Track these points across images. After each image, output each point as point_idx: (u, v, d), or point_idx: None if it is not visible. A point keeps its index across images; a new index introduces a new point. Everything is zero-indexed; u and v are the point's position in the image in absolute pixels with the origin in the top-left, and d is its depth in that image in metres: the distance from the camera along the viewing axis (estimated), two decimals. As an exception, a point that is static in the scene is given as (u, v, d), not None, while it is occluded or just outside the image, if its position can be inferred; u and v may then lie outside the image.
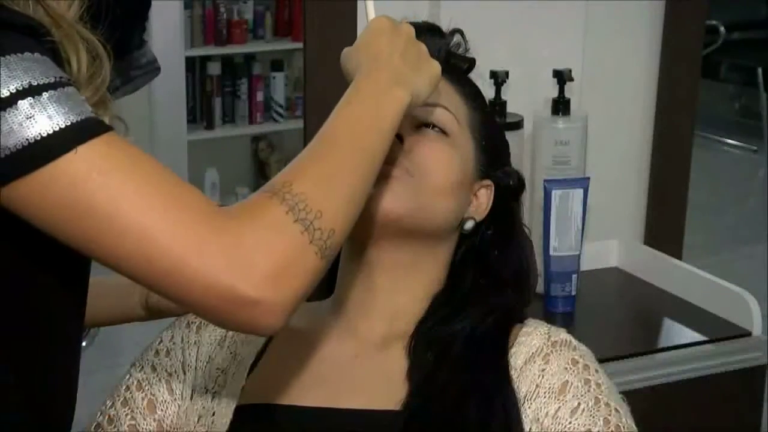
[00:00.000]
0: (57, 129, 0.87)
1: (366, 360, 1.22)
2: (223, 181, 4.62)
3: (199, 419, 1.21)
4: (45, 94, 0.88)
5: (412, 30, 1.15)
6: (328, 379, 1.21)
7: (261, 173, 4.80)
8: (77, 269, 1.01)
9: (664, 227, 2.09)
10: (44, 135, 0.87)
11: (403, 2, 1.63)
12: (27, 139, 0.87)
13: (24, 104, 0.87)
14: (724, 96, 6.14)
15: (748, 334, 1.76)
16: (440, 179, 1.22)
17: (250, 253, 0.90)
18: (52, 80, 0.89)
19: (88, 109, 0.91)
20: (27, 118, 0.87)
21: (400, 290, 1.24)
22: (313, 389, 1.20)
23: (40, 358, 1.00)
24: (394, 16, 1.35)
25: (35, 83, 0.88)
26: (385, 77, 1.08)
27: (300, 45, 1.99)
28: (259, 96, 4.63)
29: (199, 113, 4.62)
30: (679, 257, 2.05)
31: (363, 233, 1.23)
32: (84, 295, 1.05)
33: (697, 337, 1.77)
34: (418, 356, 1.19)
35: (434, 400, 1.14)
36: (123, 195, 0.89)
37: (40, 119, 0.87)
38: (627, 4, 1.99)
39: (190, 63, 4.51)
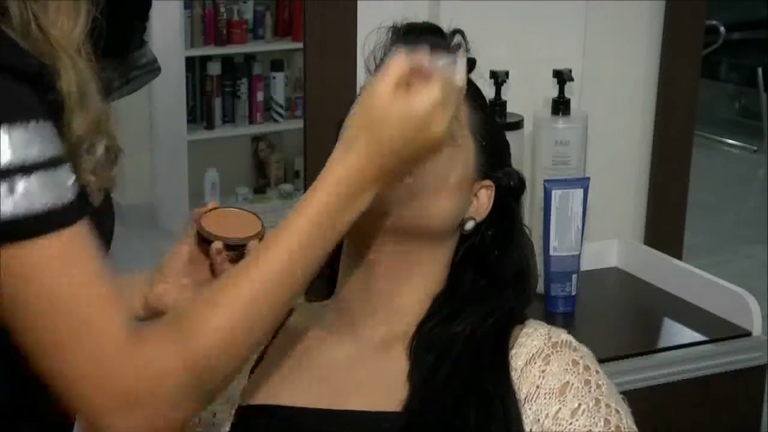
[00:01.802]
0: (25, 214, 0.90)
1: (366, 361, 1.22)
2: (223, 181, 4.63)
3: (199, 420, 1.21)
4: (33, 176, 0.90)
5: (445, 117, 1.05)
6: (329, 380, 1.21)
7: (261, 173, 4.80)
8: None
9: (664, 227, 2.09)
10: (10, 217, 0.89)
11: (403, 2, 1.63)
12: None
13: (11, 180, 0.89)
14: (724, 96, 6.14)
15: (748, 334, 1.76)
16: (441, 180, 1.22)
17: (138, 407, 0.94)
18: (45, 159, 0.91)
19: (66, 195, 0.92)
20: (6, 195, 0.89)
21: (401, 291, 1.24)
22: (314, 390, 1.20)
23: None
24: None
25: (28, 163, 0.90)
26: (359, 178, 1.03)
27: (300, 45, 1.99)
28: (259, 96, 4.63)
29: (199, 113, 4.62)
30: (679, 257, 2.05)
31: (363, 234, 1.23)
32: None
33: (697, 337, 1.77)
34: (418, 357, 1.19)
35: (435, 401, 1.14)
36: (56, 296, 0.92)
37: (13, 199, 0.89)
38: (627, 4, 1.99)
39: (190, 63, 4.51)
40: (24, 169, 0.90)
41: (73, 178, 0.94)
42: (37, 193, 0.90)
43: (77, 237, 0.94)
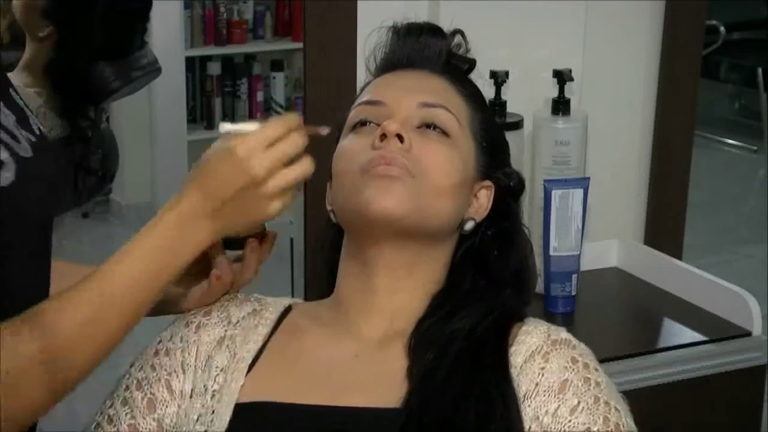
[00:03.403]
0: None
1: (366, 359, 1.22)
2: (223, 181, 4.62)
3: (198, 418, 1.21)
4: None
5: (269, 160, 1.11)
6: (328, 377, 1.21)
7: (261, 173, 4.79)
8: None
9: (664, 227, 2.09)
10: None
11: (403, 2, 1.64)
12: None
13: None
14: (724, 96, 6.14)
15: (748, 334, 1.76)
16: (441, 180, 1.22)
17: None
18: None
19: None
20: None
21: (400, 290, 1.24)
22: (313, 388, 1.20)
23: None
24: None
25: None
26: (188, 212, 1.11)
27: (300, 45, 1.99)
28: (259, 96, 4.63)
29: (199, 113, 4.62)
30: (679, 257, 2.05)
31: (363, 233, 1.23)
32: None
33: (697, 337, 1.77)
34: (418, 355, 1.19)
35: (434, 398, 1.14)
36: None
37: None
38: (627, 4, 1.99)
39: (190, 63, 4.50)
40: None
41: None
42: None
43: None
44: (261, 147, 1.11)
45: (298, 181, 1.14)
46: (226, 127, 1.14)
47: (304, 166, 1.14)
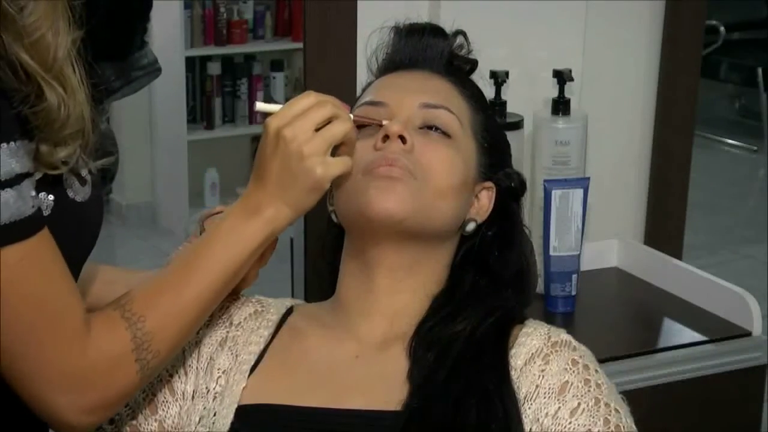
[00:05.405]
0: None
1: (366, 360, 1.22)
2: (223, 181, 4.63)
3: (200, 420, 1.21)
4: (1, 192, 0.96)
5: (297, 133, 1.15)
6: (329, 379, 1.21)
7: (261, 173, 4.79)
8: None
9: (664, 227, 2.09)
10: None
11: (404, 2, 1.64)
12: None
13: None
14: (724, 96, 6.14)
15: (748, 334, 1.76)
16: (443, 181, 1.22)
17: (88, 389, 1.05)
18: (11, 177, 0.97)
19: (28, 207, 0.99)
20: None
21: (401, 291, 1.24)
22: (314, 389, 1.20)
23: None
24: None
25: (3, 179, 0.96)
26: (250, 198, 1.18)
27: (300, 45, 1.99)
28: (259, 96, 4.63)
29: (199, 113, 4.62)
30: (679, 257, 2.05)
31: (365, 234, 1.23)
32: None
33: (697, 337, 1.77)
34: (418, 357, 1.19)
35: (434, 400, 1.14)
36: (18, 294, 0.99)
37: None
38: (627, 4, 1.99)
39: (190, 63, 4.51)
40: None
41: (33, 191, 1.00)
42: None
43: (41, 243, 1.00)
44: (289, 117, 1.15)
45: (334, 140, 1.16)
46: (259, 105, 1.21)
47: (337, 125, 1.16)
